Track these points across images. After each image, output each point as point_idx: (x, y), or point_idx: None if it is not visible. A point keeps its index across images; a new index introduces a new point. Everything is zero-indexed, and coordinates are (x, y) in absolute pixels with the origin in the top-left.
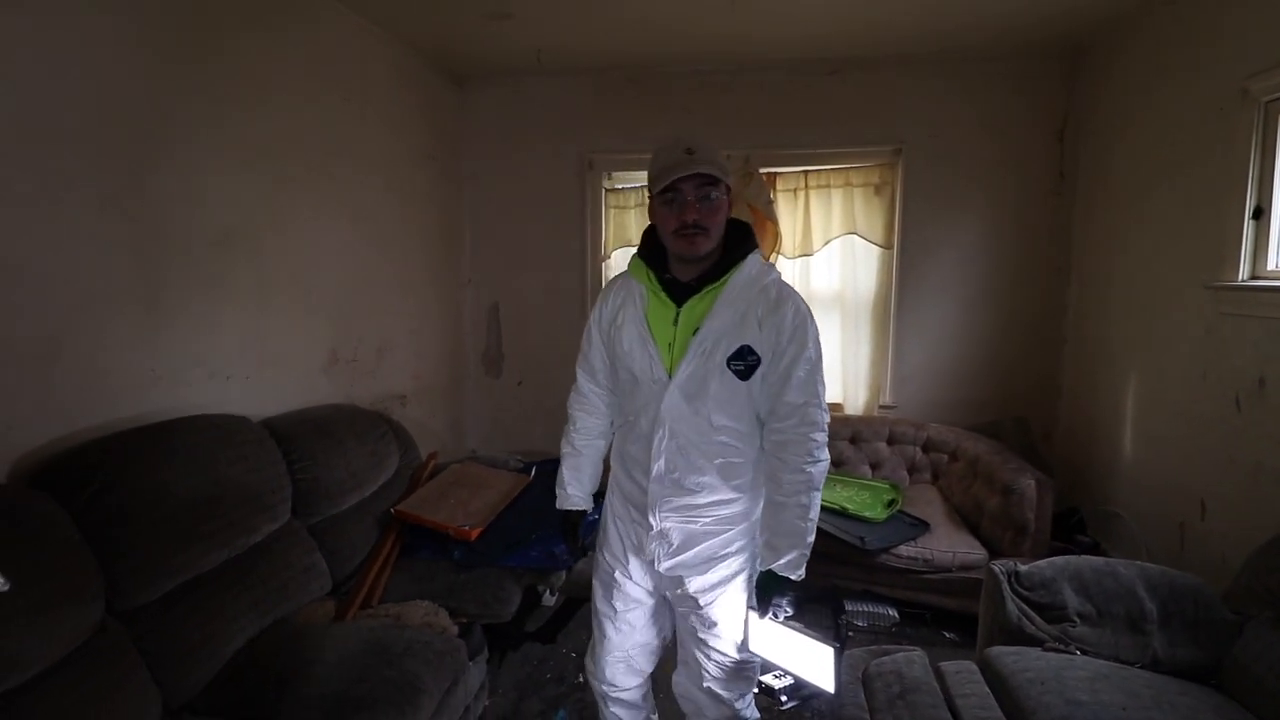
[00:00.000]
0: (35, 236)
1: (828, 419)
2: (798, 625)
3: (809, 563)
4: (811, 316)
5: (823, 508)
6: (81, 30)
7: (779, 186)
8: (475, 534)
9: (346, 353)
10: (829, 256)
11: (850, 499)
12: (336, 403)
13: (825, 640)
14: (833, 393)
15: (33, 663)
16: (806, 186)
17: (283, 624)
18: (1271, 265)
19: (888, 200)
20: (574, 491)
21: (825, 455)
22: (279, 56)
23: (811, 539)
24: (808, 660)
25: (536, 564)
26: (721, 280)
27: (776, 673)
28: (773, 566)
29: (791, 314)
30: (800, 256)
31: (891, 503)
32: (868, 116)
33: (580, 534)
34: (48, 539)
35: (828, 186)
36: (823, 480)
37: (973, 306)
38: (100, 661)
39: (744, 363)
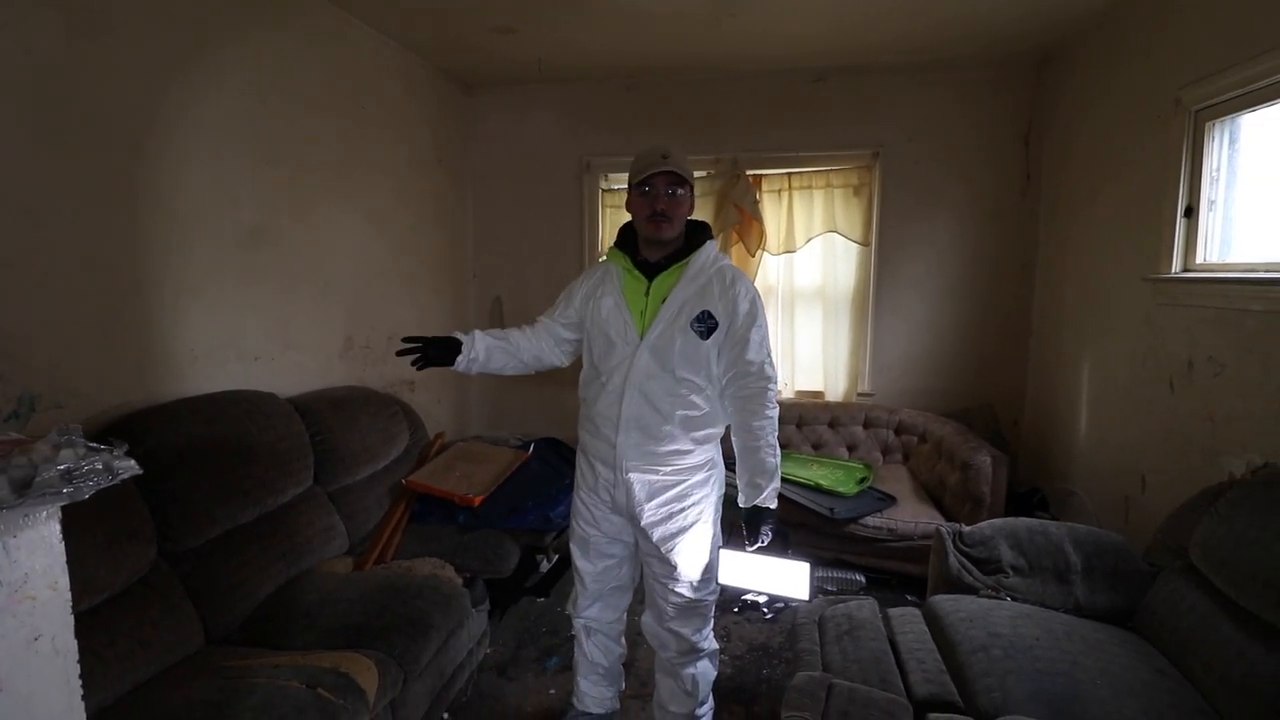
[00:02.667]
0: (98, 229)
1: (778, 375)
2: (770, 553)
3: (789, 532)
4: (759, 294)
5: (798, 483)
6: (130, 46)
7: (764, 187)
8: (479, 501)
9: (360, 339)
10: (811, 253)
11: (825, 476)
12: (351, 385)
13: (799, 559)
14: (814, 381)
15: (103, 588)
16: (790, 187)
17: (307, 574)
18: (1200, 259)
19: (866, 200)
20: (469, 336)
21: (777, 405)
22: (303, 68)
23: (780, 473)
24: (784, 578)
25: (533, 526)
26: (684, 261)
27: (753, 594)
28: (756, 501)
29: (744, 290)
30: (784, 253)
31: (863, 480)
32: (848, 121)
33: (433, 349)
34: (110, 488)
35: (810, 187)
36: (778, 424)
37: (945, 300)
38: (155, 594)
39: (704, 325)
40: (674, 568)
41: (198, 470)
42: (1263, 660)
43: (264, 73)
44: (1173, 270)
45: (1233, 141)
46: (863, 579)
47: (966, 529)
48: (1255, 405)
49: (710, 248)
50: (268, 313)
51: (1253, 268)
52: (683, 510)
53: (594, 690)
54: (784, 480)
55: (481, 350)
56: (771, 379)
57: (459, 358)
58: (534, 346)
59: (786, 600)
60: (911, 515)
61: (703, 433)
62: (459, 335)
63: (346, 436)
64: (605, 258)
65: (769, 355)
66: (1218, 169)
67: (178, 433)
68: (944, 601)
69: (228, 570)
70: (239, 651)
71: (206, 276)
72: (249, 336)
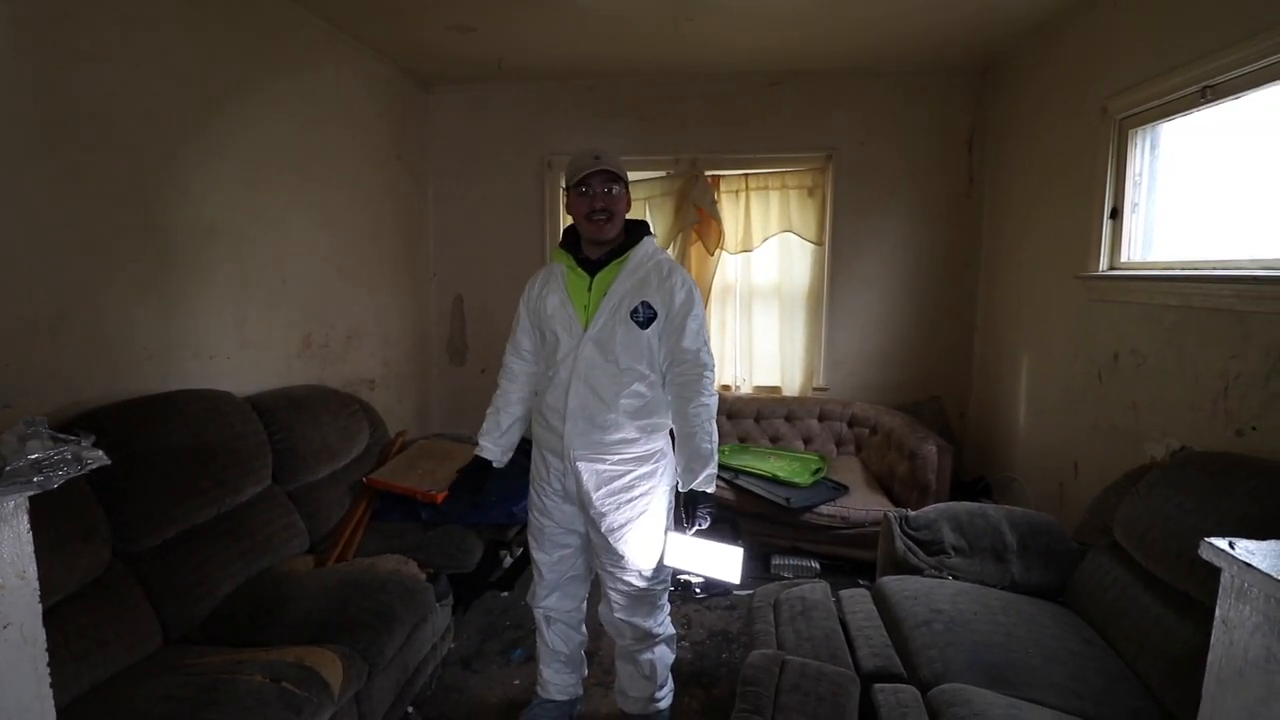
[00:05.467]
0: (48, 223)
1: (714, 364)
2: (709, 538)
3: (744, 523)
4: (695, 285)
5: (756, 475)
6: (79, 38)
7: (722, 188)
8: (441, 497)
9: (319, 338)
10: (768, 252)
11: (781, 468)
12: (310, 383)
13: (733, 544)
14: (772, 376)
15: (56, 590)
16: (747, 188)
17: (268, 573)
18: (1125, 258)
19: (820, 201)
20: (486, 444)
21: (715, 392)
22: (257, 64)
23: (716, 458)
24: (718, 561)
25: (496, 521)
26: (624, 257)
27: (690, 575)
28: (692, 486)
29: (680, 281)
30: (742, 252)
31: (818, 471)
32: (802, 125)
33: (484, 485)
34: (63, 487)
35: (766, 188)
36: (715, 411)
37: (896, 297)
38: (111, 594)
39: (643, 315)
40: (622, 557)
41: (153, 470)
42: (1176, 626)
43: (218, 68)
44: (1100, 269)
45: (1154, 148)
46: (817, 565)
47: (912, 514)
48: (1173, 394)
49: (648, 243)
50: (223, 311)
51: (1170, 266)
52: (631, 500)
53: (557, 678)
54: (743, 472)
55: (505, 444)
56: (708, 366)
57: (495, 463)
58: (520, 392)
59: (719, 583)
60: (863, 504)
61: (648, 421)
62: (488, 451)
63: (306, 435)
64: (550, 260)
65: (705, 343)
66: (1140, 173)
67: (133, 432)
68: (891, 582)
69: (186, 570)
70: (200, 650)
71: (159, 273)
72: (204, 334)
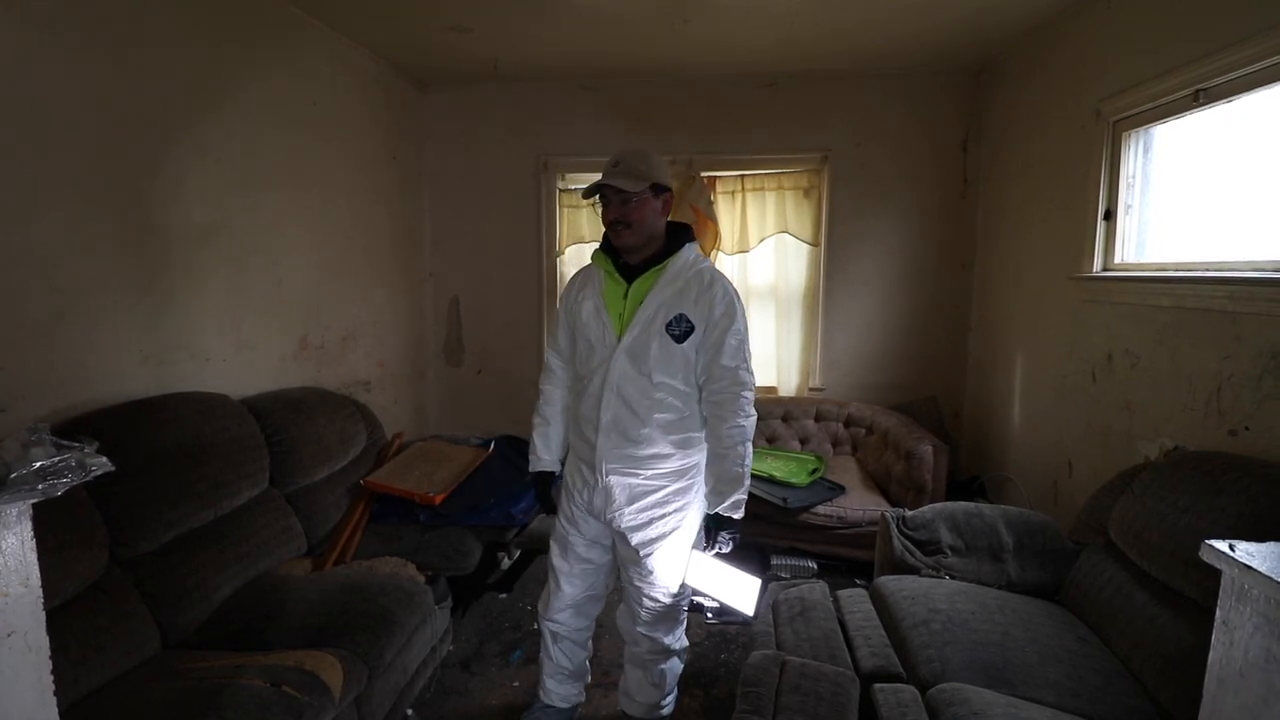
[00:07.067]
0: (41, 225)
1: (755, 382)
2: (731, 563)
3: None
4: (738, 297)
5: (753, 475)
6: (82, 44)
7: (719, 189)
8: (440, 499)
9: (315, 340)
10: (764, 253)
11: (779, 468)
12: (306, 385)
13: (752, 573)
14: (768, 376)
15: (54, 595)
16: (743, 189)
17: (265, 576)
18: (1118, 259)
19: (816, 202)
20: (545, 456)
21: (753, 412)
22: (252, 64)
23: (748, 483)
24: (735, 589)
25: (495, 522)
26: (662, 265)
27: (704, 598)
28: (719, 509)
29: (721, 293)
30: (738, 253)
31: (814, 471)
32: (798, 126)
33: (551, 493)
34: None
35: (762, 189)
36: (752, 433)
37: (891, 298)
38: (108, 599)
39: (679, 328)
40: (651, 573)
41: (150, 473)
42: (1170, 624)
43: (213, 68)
44: (1094, 270)
45: (1146, 150)
46: (814, 565)
47: (909, 513)
48: (1166, 394)
49: (690, 250)
50: (219, 313)
51: (1163, 267)
52: (663, 517)
53: (560, 689)
54: None
55: (559, 452)
56: (746, 384)
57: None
58: (565, 397)
59: (733, 611)
60: (860, 504)
61: (681, 436)
62: (545, 468)
63: (302, 437)
64: (591, 261)
65: (745, 360)
66: (1134, 175)
67: (129, 436)
68: (889, 581)
69: (183, 574)
70: (198, 654)
71: (155, 276)
72: (200, 337)
